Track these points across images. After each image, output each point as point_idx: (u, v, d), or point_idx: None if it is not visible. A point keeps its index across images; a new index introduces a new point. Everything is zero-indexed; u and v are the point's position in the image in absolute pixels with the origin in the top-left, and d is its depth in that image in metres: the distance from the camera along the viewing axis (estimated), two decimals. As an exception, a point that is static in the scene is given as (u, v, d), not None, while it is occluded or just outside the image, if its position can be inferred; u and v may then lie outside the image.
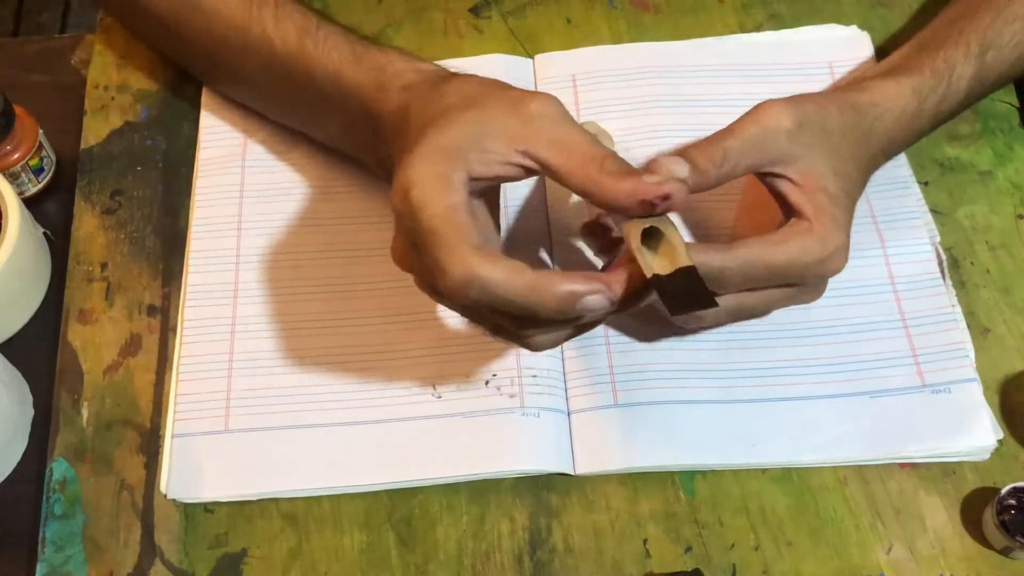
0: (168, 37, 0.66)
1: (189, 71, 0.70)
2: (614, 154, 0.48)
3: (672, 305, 0.48)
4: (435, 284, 0.47)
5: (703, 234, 0.63)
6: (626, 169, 0.48)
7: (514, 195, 0.65)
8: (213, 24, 0.61)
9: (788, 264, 0.51)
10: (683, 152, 0.51)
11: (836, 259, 0.52)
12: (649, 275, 0.47)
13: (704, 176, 0.51)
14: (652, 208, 0.47)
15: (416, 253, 0.48)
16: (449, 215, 0.46)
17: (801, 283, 0.53)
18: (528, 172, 0.49)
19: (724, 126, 0.53)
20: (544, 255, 0.63)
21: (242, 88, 0.66)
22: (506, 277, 0.45)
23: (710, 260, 0.50)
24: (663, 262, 0.48)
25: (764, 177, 0.54)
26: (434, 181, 0.47)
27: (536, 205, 0.65)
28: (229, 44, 0.61)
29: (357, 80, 0.56)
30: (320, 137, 0.65)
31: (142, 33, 0.70)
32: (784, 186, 0.53)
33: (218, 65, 0.64)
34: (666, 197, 0.47)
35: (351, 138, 0.60)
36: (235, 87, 0.67)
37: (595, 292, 0.46)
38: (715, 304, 0.49)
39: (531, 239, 0.63)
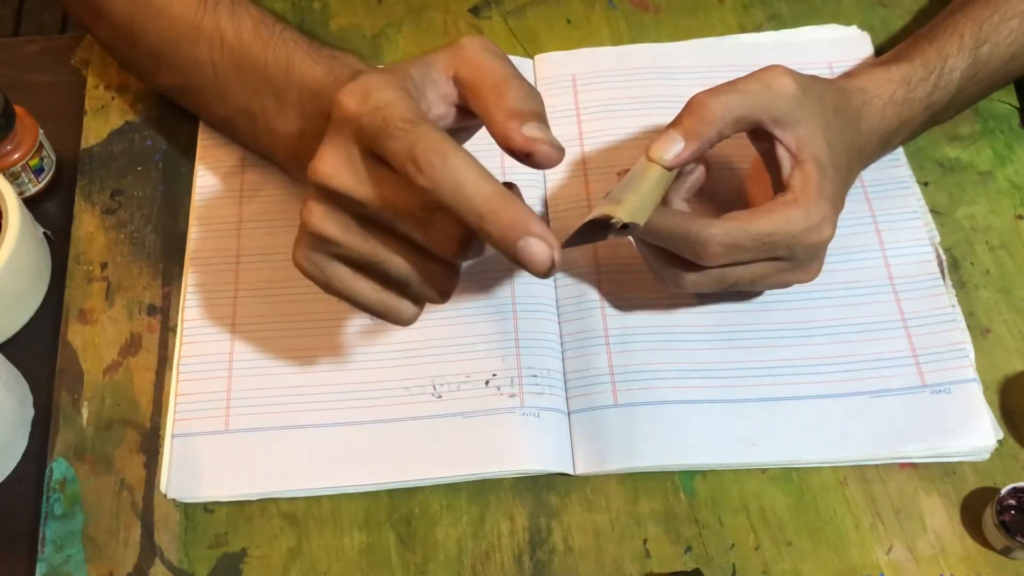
0: (120, 38, 0.65)
1: (134, 71, 0.69)
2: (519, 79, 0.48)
3: (570, 241, 0.52)
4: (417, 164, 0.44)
5: (710, 199, 0.63)
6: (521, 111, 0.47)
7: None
8: (163, 19, 0.61)
9: (772, 232, 0.52)
10: (675, 122, 0.53)
11: (822, 229, 0.53)
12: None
13: (701, 139, 0.52)
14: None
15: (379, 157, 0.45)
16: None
17: (791, 256, 0.54)
18: (459, 112, 0.50)
19: None
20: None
21: (180, 83, 0.64)
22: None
23: (693, 229, 0.52)
24: (602, 206, 0.51)
25: (761, 144, 0.56)
26: (389, 76, 0.47)
27: (536, 205, 0.65)
28: (179, 38, 0.61)
29: (309, 68, 0.57)
30: (246, 132, 0.63)
31: (97, 35, 0.69)
32: (779, 152, 0.54)
33: (162, 60, 0.63)
34: (528, 153, 0.46)
35: (283, 132, 0.59)
36: (175, 83, 0.65)
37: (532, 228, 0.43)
38: (604, 238, 0.53)
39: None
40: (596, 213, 0.50)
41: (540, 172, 0.66)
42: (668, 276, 0.56)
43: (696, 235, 0.52)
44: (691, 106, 0.53)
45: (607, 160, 0.66)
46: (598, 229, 0.52)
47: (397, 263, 0.48)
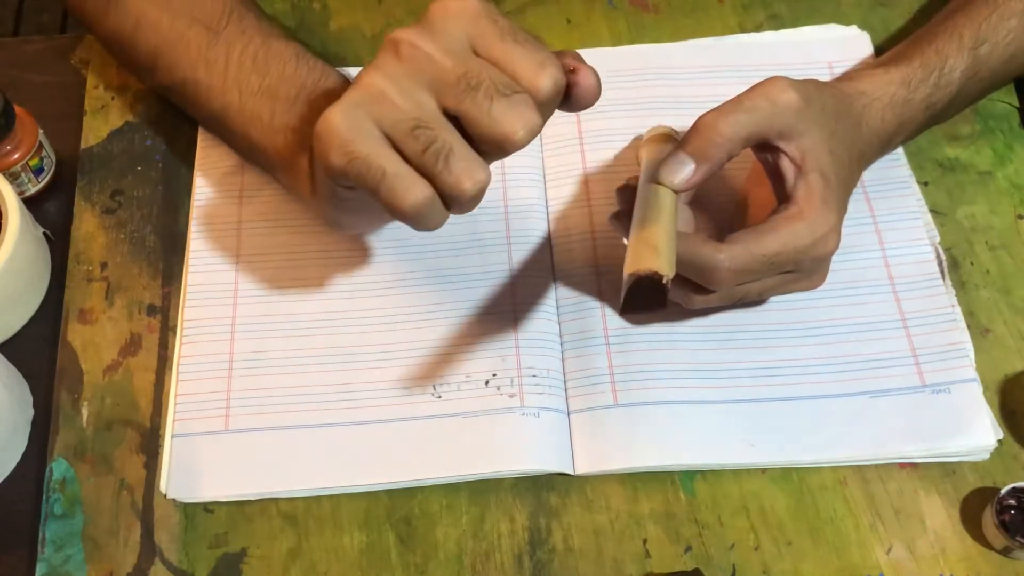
0: (126, 32, 0.63)
1: (132, 67, 0.67)
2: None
3: (625, 304, 0.51)
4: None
5: (712, 203, 0.63)
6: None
7: (514, 195, 0.65)
8: (179, 19, 0.61)
9: (779, 251, 0.52)
10: (684, 144, 0.53)
11: (828, 241, 0.53)
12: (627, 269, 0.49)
13: (712, 161, 0.52)
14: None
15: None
16: None
17: (797, 269, 0.54)
18: None
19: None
20: (544, 255, 0.63)
21: (179, 78, 0.62)
22: None
23: (702, 256, 0.52)
24: (642, 254, 0.49)
25: (763, 155, 0.55)
26: None
27: (536, 206, 0.65)
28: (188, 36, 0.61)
29: (315, 61, 0.59)
30: (238, 128, 0.61)
31: (104, 27, 0.66)
32: (783, 163, 0.54)
33: (159, 64, 0.62)
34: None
35: (283, 133, 0.58)
36: (173, 79, 0.63)
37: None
38: (664, 307, 0.52)
39: (531, 239, 0.63)
40: (643, 268, 0.48)
41: (540, 172, 0.66)
42: (677, 297, 0.56)
43: (705, 262, 0.52)
44: (699, 127, 0.52)
45: (607, 161, 0.66)
46: (649, 288, 0.50)
47: (444, 134, 0.45)
